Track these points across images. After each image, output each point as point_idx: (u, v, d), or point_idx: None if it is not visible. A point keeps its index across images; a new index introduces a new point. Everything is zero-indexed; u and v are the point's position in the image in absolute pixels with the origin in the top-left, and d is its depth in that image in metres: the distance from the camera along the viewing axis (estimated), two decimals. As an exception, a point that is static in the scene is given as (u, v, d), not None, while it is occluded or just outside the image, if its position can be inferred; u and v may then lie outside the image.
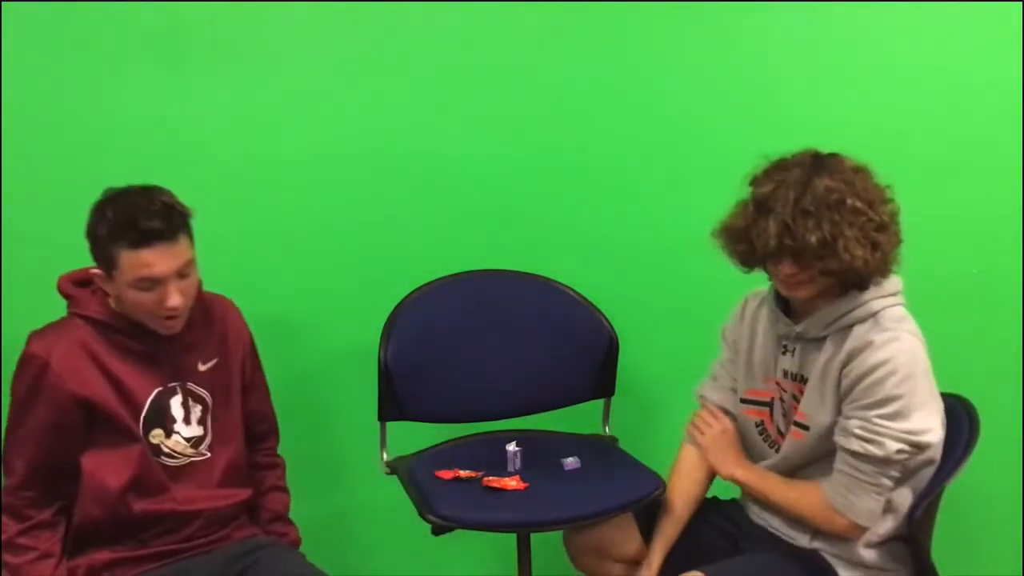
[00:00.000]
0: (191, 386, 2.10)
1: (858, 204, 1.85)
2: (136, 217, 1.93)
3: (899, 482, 1.95)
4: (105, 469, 2.02)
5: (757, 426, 2.11)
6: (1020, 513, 2.74)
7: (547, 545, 2.36)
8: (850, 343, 1.91)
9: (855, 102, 2.62)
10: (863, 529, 1.95)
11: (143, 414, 2.04)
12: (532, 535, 2.30)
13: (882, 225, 1.88)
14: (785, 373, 2.04)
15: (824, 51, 2.62)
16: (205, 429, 2.11)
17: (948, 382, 2.05)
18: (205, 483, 2.10)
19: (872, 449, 1.87)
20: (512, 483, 2.22)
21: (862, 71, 2.62)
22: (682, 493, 2.17)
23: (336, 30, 2.56)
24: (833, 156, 1.92)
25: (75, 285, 2.07)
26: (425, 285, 2.48)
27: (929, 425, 1.89)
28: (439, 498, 2.16)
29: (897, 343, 1.87)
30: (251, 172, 2.59)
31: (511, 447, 2.31)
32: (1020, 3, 2.55)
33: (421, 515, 2.13)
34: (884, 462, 1.88)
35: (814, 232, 1.82)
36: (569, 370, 2.51)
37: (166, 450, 2.06)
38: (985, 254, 2.67)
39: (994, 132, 2.62)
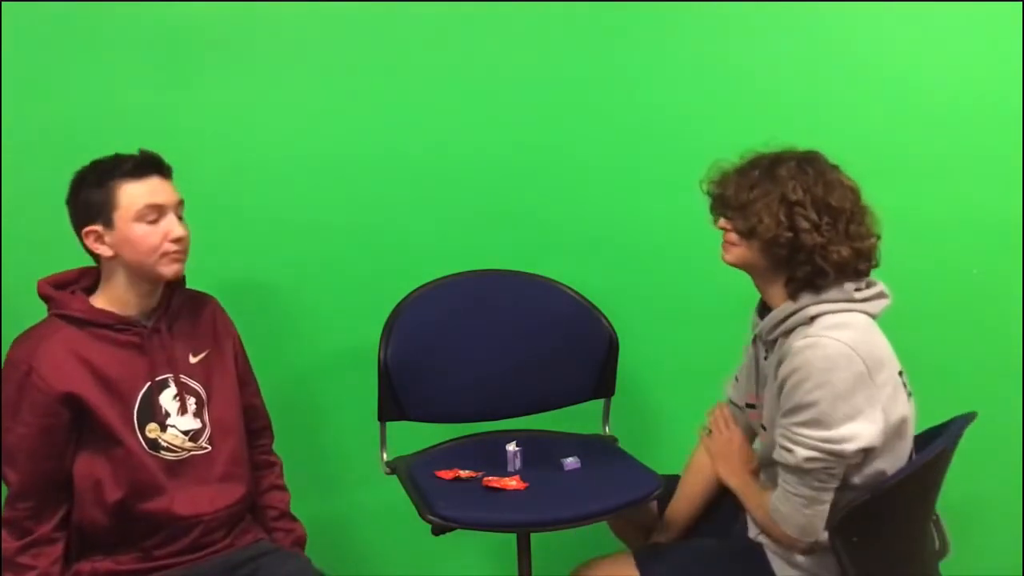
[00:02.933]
0: (183, 379, 2.08)
1: (799, 194, 1.90)
2: (128, 156, 1.99)
3: (854, 495, 1.93)
4: (99, 473, 1.99)
5: (761, 427, 2.12)
6: (1020, 514, 2.74)
7: (547, 545, 2.36)
8: (783, 348, 1.92)
9: (854, 102, 2.62)
10: (802, 540, 1.94)
11: (135, 409, 2.01)
12: (532, 535, 2.30)
13: (813, 223, 1.89)
14: (765, 376, 2.06)
15: (824, 50, 2.62)
16: (202, 422, 2.09)
17: (948, 382, 2.06)
18: (206, 478, 2.07)
19: (786, 456, 1.88)
20: (512, 483, 2.22)
21: (861, 71, 2.62)
22: (691, 487, 2.22)
23: (336, 31, 2.56)
24: (832, 167, 1.96)
25: (55, 288, 2.05)
26: (425, 285, 2.48)
27: (852, 433, 1.85)
28: (439, 498, 2.16)
29: (813, 349, 1.85)
30: (251, 172, 2.59)
31: (511, 447, 2.31)
32: (1020, 3, 2.56)
33: (421, 515, 2.13)
34: (797, 470, 1.87)
35: (741, 190, 1.94)
36: (569, 370, 2.51)
37: (164, 444, 2.03)
38: (985, 254, 2.67)
39: (995, 132, 2.62)
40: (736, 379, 2.21)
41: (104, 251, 2.00)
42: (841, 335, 1.86)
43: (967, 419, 1.99)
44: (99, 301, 2.04)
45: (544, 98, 2.62)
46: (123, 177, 1.97)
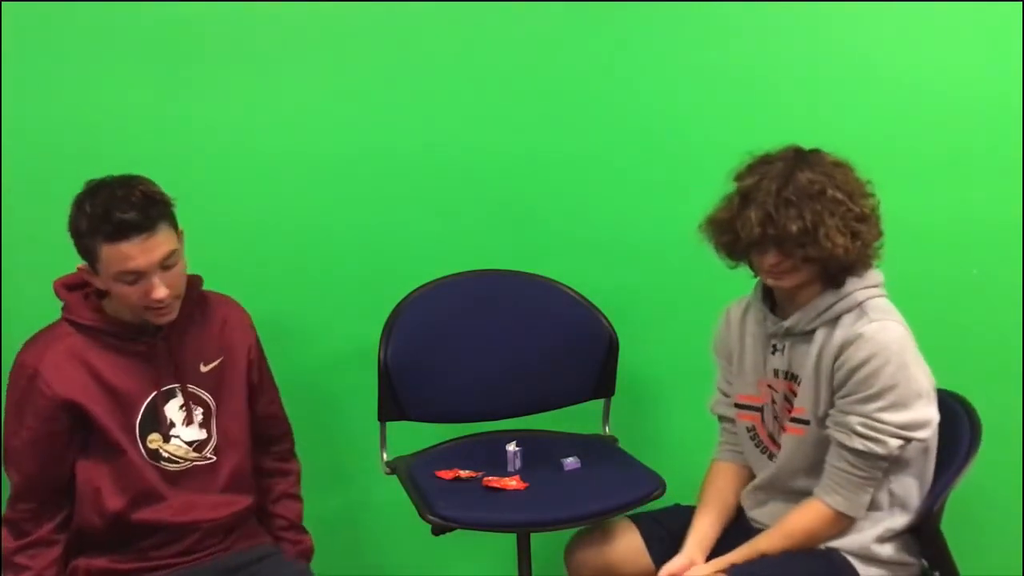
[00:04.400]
0: (192, 388, 2.06)
1: (838, 195, 1.90)
2: (112, 210, 1.87)
3: (898, 472, 1.96)
4: (99, 480, 1.99)
5: (749, 431, 2.11)
6: (1020, 513, 2.73)
7: (547, 545, 2.36)
8: (840, 334, 1.93)
9: (854, 102, 2.61)
10: (852, 521, 1.97)
11: (138, 419, 2.00)
12: (532, 535, 2.30)
13: (862, 216, 1.92)
14: (775, 372, 2.04)
15: (824, 50, 2.61)
16: (208, 432, 2.07)
17: (948, 382, 2.06)
18: (208, 488, 2.07)
19: (874, 447, 1.89)
20: (512, 483, 2.23)
21: (861, 71, 2.61)
22: (717, 500, 2.14)
23: (336, 30, 2.56)
24: (814, 151, 1.97)
25: (67, 289, 2.03)
26: (425, 285, 2.48)
27: (927, 417, 1.92)
28: (439, 498, 2.16)
29: (886, 333, 1.90)
30: (252, 172, 2.59)
31: (511, 447, 2.31)
32: (1020, 3, 2.55)
33: (421, 515, 2.13)
34: (883, 458, 1.92)
35: (795, 221, 1.87)
36: (569, 370, 2.51)
37: (165, 454, 2.03)
38: (985, 255, 2.67)
39: (995, 132, 2.62)
40: (725, 395, 2.19)
41: (98, 284, 1.98)
42: (897, 317, 1.94)
43: (956, 396, 2.09)
44: (109, 306, 2.01)
45: (544, 98, 2.62)
46: (101, 239, 1.88)
